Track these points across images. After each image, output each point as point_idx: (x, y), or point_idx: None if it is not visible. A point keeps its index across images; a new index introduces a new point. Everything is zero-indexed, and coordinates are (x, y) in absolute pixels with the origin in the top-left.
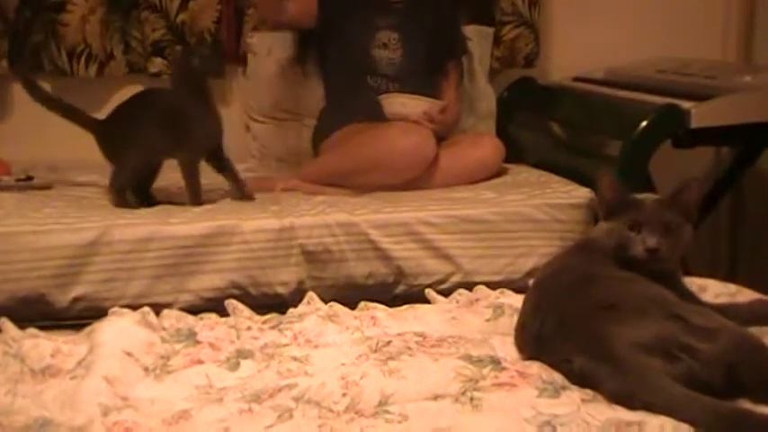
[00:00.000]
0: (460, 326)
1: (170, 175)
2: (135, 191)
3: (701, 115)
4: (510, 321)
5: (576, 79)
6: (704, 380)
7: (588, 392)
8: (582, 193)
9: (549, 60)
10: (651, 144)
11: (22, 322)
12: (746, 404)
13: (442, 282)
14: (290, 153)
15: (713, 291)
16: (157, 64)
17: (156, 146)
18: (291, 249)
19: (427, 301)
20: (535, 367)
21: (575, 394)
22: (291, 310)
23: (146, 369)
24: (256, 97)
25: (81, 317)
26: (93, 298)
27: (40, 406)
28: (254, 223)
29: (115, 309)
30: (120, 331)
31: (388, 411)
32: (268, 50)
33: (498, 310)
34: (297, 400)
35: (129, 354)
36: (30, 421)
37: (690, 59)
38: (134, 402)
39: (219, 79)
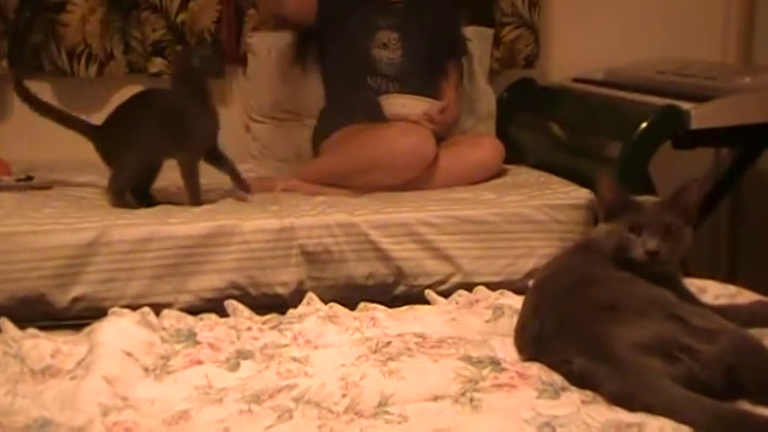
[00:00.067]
0: (460, 327)
1: (169, 176)
2: (134, 192)
3: (700, 116)
4: (510, 322)
5: (576, 80)
6: (704, 381)
7: (588, 393)
8: (582, 194)
9: (548, 61)
10: (651, 145)
11: (21, 322)
12: (746, 405)
13: (441, 282)
14: (290, 153)
15: (713, 292)
16: (157, 64)
17: (155, 146)
18: (291, 250)
19: (427, 302)
20: (535, 368)
21: (574, 395)
22: (291, 310)
23: (145, 369)
24: (256, 97)
25: (81, 317)
26: (93, 298)
27: (40, 406)
28: (253, 223)
29: (115, 309)
30: (119, 331)
31: (387, 412)
32: (268, 50)
33: (498, 311)
34: (297, 400)
35: (128, 354)
36: (29, 421)
37: (690, 60)
38: (134, 402)
39: (219, 79)
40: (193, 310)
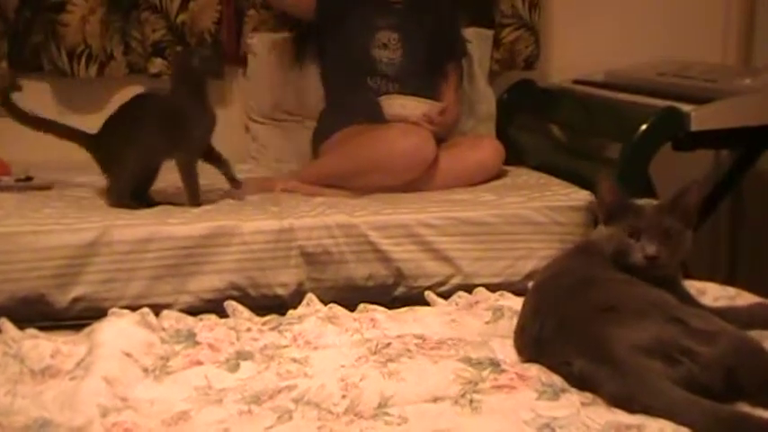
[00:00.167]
0: (460, 328)
1: (168, 177)
2: (133, 195)
3: (700, 118)
4: (509, 324)
5: (576, 82)
6: (704, 383)
7: (588, 395)
8: (582, 196)
9: (548, 63)
10: (651, 147)
11: (21, 323)
12: (746, 407)
13: (441, 284)
14: (290, 154)
15: (712, 294)
16: (157, 64)
17: (155, 147)
18: (291, 251)
19: (427, 303)
20: (534, 370)
21: (574, 397)
22: (291, 311)
23: (145, 370)
24: (256, 98)
25: (81, 317)
26: (93, 298)
27: (40, 406)
28: (253, 224)
29: (115, 309)
30: (119, 332)
31: (387, 413)
32: (268, 51)
33: (498, 312)
34: (296, 401)
35: (128, 354)
36: (29, 422)
37: (690, 62)
38: (133, 403)
39: (219, 80)
40: (193, 311)
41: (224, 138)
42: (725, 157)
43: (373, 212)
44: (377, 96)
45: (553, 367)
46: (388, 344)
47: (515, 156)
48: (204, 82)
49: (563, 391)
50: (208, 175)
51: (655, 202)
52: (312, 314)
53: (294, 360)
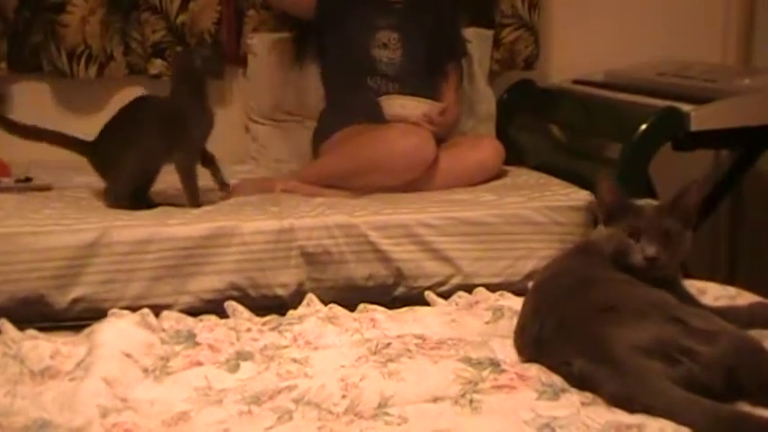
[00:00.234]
0: (460, 328)
1: (167, 178)
2: (132, 197)
3: (700, 118)
4: (509, 324)
5: (576, 82)
6: (704, 383)
7: (588, 395)
8: (581, 196)
9: (548, 63)
10: (651, 147)
11: (21, 323)
12: (746, 407)
13: (441, 284)
14: (290, 154)
15: (713, 294)
16: (157, 65)
17: (155, 149)
18: (291, 251)
19: (427, 304)
20: (534, 370)
21: (574, 397)
22: (291, 311)
23: (145, 370)
24: (256, 98)
25: (80, 318)
26: (93, 299)
27: (39, 407)
28: (253, 225)
29: (114, 310)
30: (119, 333)
31: (387, 413)
32: (268, 51)
33: (498, 312)
34: (296, 401)
35: (128, 355)
36: (29, 422)
37: (690, 62)
38: (133, 404)
39: (220, 80)
40: (193, 312)
41: (224, 138)
42: (725, 157)
43: (373, 212)
44: (377, 96)
45: (553, 367)
46: (388, 344)
47: (515, 156)
48: (204, 82)
49: (563, 391)
50: (207, 176)
51: (655, 202)
52: (312, 314)
53: (294, 360)
